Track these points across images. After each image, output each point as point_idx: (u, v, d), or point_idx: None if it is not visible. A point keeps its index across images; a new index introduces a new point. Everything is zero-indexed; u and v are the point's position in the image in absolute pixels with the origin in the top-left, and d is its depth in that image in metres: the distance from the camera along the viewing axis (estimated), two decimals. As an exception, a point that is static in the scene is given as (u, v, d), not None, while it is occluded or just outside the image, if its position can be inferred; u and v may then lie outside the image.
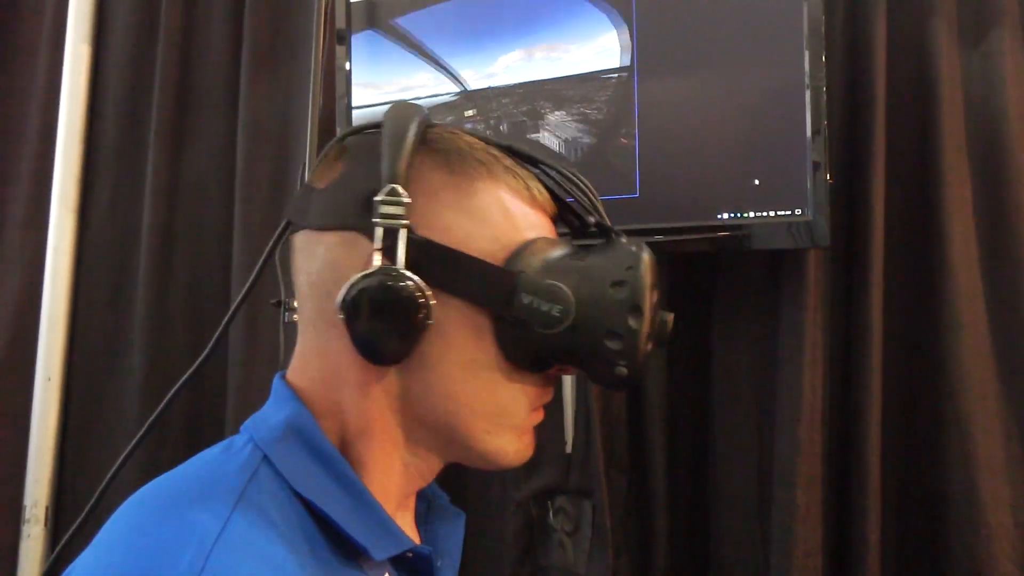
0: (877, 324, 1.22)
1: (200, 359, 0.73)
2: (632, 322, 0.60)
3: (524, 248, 0.62)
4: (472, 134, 0.66)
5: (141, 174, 1.70)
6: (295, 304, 1.21)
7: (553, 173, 0.67)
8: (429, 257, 0.59)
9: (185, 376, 0.74)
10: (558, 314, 0.60)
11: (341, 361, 0.61)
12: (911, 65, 1.27)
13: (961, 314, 1.19)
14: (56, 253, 1.73)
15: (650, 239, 1.24)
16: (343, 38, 1.44)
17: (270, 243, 0.66)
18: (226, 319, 0.74)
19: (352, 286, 0.57)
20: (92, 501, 0.65)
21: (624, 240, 0.64)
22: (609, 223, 0.65)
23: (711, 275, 1.36)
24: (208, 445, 0.64)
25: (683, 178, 1.24)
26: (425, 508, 0.74)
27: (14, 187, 1.80)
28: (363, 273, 0.57)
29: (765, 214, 1.20)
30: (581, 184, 0.67)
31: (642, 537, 1.35)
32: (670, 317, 0.65)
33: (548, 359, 0.63)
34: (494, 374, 0.62)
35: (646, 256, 0.62)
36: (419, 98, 1.38)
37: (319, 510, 0.57)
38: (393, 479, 0.64)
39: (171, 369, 1.64)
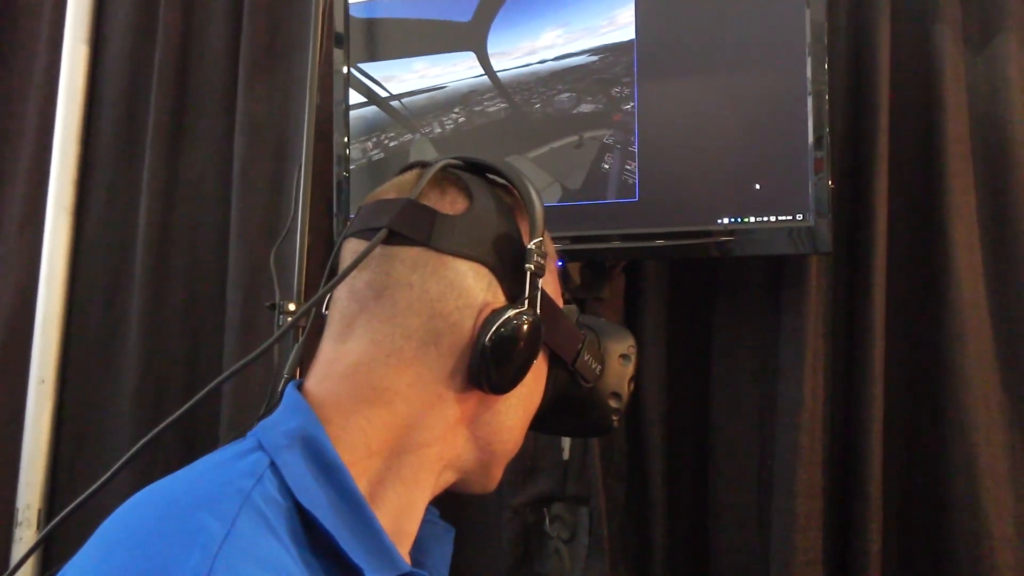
0: (879, 332, 1.20)
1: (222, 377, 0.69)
2: (628, 387, 0.79)
3: (572, 312, 0.76)
4: None
5: (138, 176, 1.69)
6: (291, 307, 1.21)
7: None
8: (544, 307, 0.67)
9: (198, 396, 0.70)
10: (598, 372, 0.76)
11: (430, 378, 0.64)
12: (915, 69, 1.26)
13: (965, 322, 1.18)
14: (51, 254, 1.72)
15: (650, 244, 1.23)
16: (341, 41, 1.43)
17: (366, 248, 0.65)
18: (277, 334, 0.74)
19: (508, 319, 0.63)
20: (71, 507, 0.64)
21: (609, 321, 0.84)
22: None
23: (711, 281, 1.34)
24: (203, 449, 0.63)
25: (683, 182, 1.23)
26: None
27: (10, 188, 1.79)
28: (517, 310, 0.64)
29: (766, 219, 1.18)
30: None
31: (640, 546, 1.34)
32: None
33: (563, 407, 0.75)
34: (531, 413, 0.72)
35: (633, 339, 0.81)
36: (419, 91, 1.37)
37: (319, 524, 0.57)
38: (422, 495, 0.66)
39: (166, 372, 1.63)
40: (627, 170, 1.25)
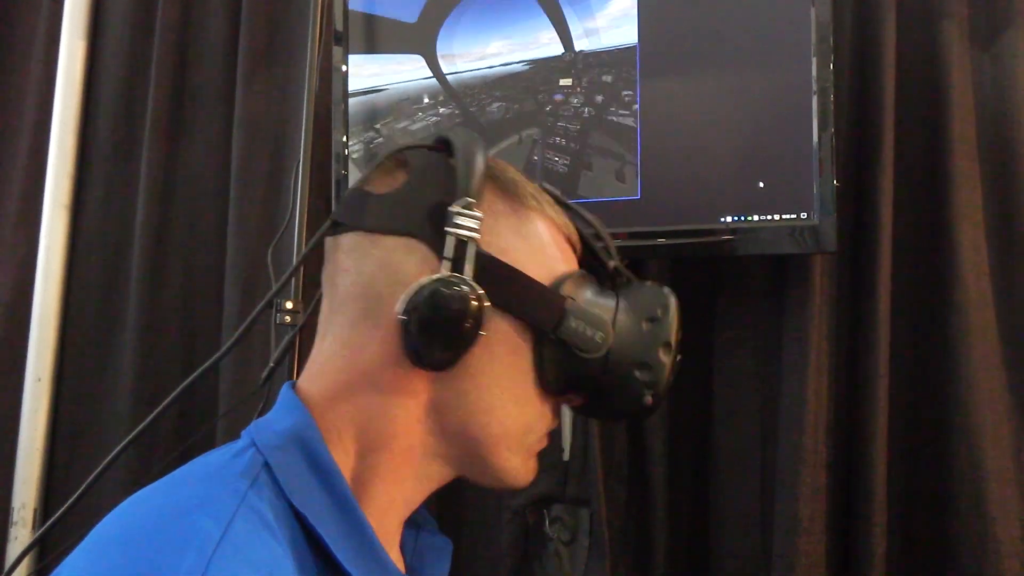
0: (884, 332, 1.19)
1: (204, 366, 0.71)
2: (663, 356, 0.68)
3: (566, 278, 0.66)
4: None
5: (135, 172, 1.68)
6: (288, 305, 1.20)
7: (578, 220, 0.73)
8: (490, 273, 0.62)
9: (180, 388, 0.72)
10: (599, 340, 0.65)
11: (378, 364, 0.62)
12: (921, 67, 1.24)
13: (970, 321, 1.17)
14: (48, 251, 1.70)
15: (651, 242, 1.22)
16: (340, 39, 1.42)
17: (311, 241, 0.66)
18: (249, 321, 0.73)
19: (422, 288, 0.59)
20: (71, 500, 0.63)
21: (650, 283, 0.72)
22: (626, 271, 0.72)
23: (714, 280, 1.33)
24: (199, 448, 0.62)
25: (686, 180, 1.21)
26: (414, 534, 0.72)
27: (7, 184, 1.78)
28: (433, 278, 0.59)
29: (770, 218, 1.17)
30: (601, 231, 0.73)
31: (641, 548, 1.32)
32: (679, 357, 0.70)
33: (575, 384, 0.67)
34: (526, 393, 0.65)
35: (675, 299, 0.71)
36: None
37: (311, 527, 0.56)
38: (404, 491, 0.65)
39: (163, 370, 1.61)
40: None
